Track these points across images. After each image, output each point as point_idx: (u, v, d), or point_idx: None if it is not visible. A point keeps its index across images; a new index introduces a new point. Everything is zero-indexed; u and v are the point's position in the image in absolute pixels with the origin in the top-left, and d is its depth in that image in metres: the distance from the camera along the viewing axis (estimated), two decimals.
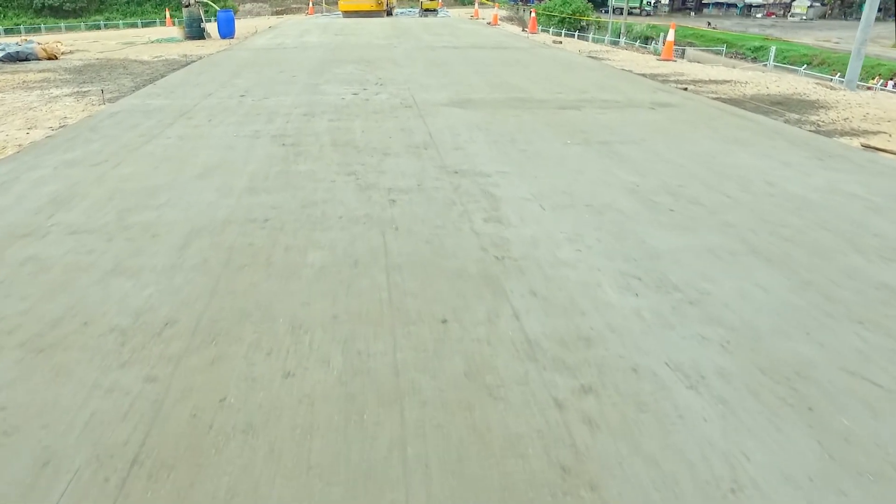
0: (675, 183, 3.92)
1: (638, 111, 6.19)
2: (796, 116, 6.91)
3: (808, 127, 6.25)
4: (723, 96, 8.19)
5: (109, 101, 7.62)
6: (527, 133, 5.20)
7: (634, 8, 78.60)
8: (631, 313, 2.37)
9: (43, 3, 55.82)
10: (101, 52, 14.80)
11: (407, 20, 23.81)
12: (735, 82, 9.73)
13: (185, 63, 11.68)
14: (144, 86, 8.56)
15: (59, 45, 15.89)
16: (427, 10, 30.60)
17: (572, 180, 3.95)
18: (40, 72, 11.09)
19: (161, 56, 13.42)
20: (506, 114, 5.96)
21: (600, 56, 13.26)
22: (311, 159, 4.42)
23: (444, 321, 2.31)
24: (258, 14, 59.37)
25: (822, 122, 6.76)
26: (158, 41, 17.45)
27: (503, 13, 26.03)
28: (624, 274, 2.69)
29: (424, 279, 2.62)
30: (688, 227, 3.22)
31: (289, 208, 3.45)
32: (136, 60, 12.85)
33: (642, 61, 12.38)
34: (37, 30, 48.74)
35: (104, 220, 3.33)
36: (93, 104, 7.55)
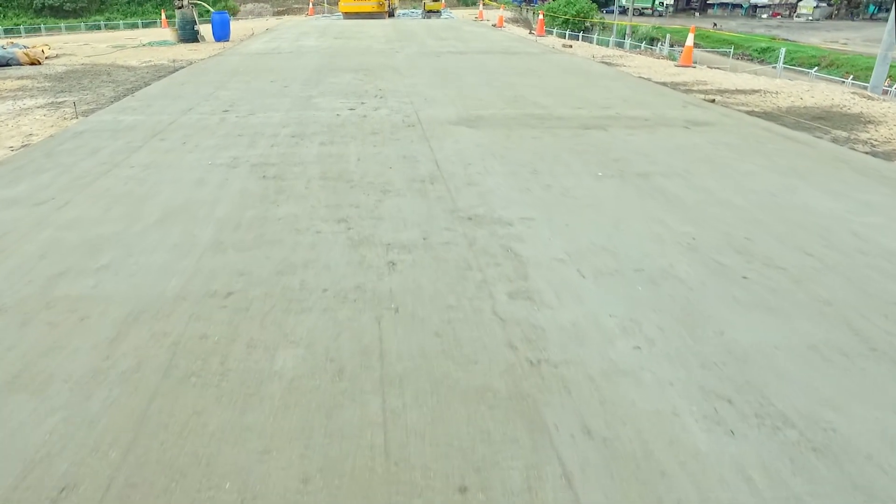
0: (740, 234, 3.18)
1: (672, 131, 5.45)
2: (844, 134, 6.17)
3: (861, 147, 5.51)
4: (756, 109, 7.45)
5: (83, 114, 6.92)
6: (549, 161, 4.46)
7: (647, 8, 77.92)
8: (733, 473, 1.63)
9: (43, 4, 55.29)
10: (89, 57, 14.11)
11: (409, 22, 23.06)
12: (764, 92, 8.98)
13: (172, 69, 10.98)
14: (124, 96, 7.86)
15: (45, 48, 15.22)
16: (430, 11, 29.83)
17: (613, 231, 3.21)
18: (19, 79, 10.39)
19: (150, 61, 12.73)
20: (523, 135, 5.23)
21: (614, 62, 12.52)
22: (294, 199, 3.69)
23: (464, 489, 1.58)
24: (259, 14, 58.73)
25: (876, 140, 6.01)
26: (150, 45, 16.76)
27: (508, 14, 25.30)
28: (706, 392, 1.95)
29: (434, 405, 1.89)
30: (772, 306, 2.48)
31: (259, 275, 2.73)
32: (122, 66, 12.16)
33: (659, 68, 11.64)
34: (36, 30, 48.24)
35: (25, 292, 2.61)
36: (65, 118, 6.85)
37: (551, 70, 9.57)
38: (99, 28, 49.90)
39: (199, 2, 17.85)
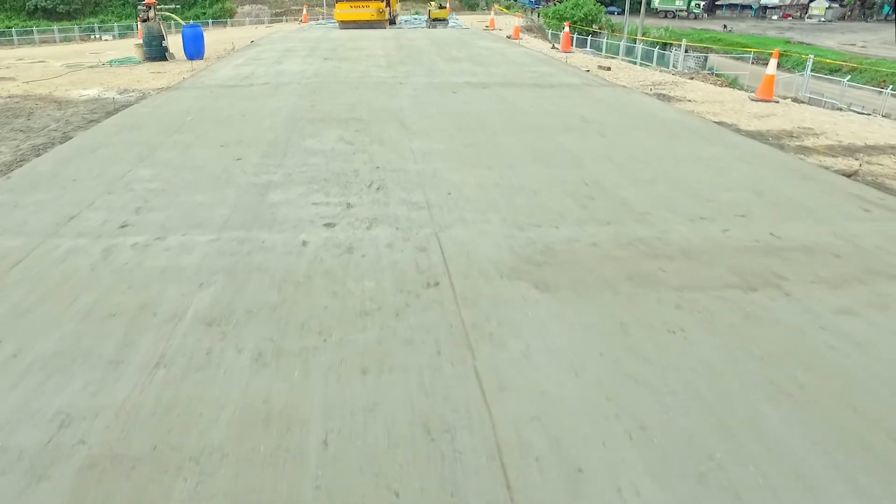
0: None
1: None
2: None
3: None
4: None
5: None
6: (751, 441, 1.98)
7: (681, 10, 75.28)
8: None
9: (36, 6, 53.33)
10: (28, 83, 11.66)
11: (413, 34, 20.40)
12: None
13: (112, 109, 8.53)
14: (10, 168, 5.41)
15: None
16: (436, 19, 27.05)
17: None
18: None
19: (96, 91, 10.28)
20: (647, 317, 2.73)
21: (671, 92, 10.04)
22: None
23: None
24: (257, 16, 56.37)
25: None
26: (111, 64, 14.29)
27: (521, 22, 22.79)
28: None
29: None
30: None
31: None
32: (57, 100, 9.72)
33: (735, 104, 9.15)
34: (29, 33, 46.29)
35: None
36: None
37: (609, 117, 7.07)
38: (92, 31, 47.87)
39: (168, 13, 15.36)
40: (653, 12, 74.86)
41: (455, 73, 10.34)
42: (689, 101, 9.37)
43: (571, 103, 7.90)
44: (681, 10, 75.86)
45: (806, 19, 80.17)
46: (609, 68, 12.24)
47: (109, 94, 10.08)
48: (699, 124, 6.98)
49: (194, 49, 14.42)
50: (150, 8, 14.12)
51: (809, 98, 18.26)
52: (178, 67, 13.17)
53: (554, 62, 12.55)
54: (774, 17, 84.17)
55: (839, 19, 79.44)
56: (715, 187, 4.57)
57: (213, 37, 22.84)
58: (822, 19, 78.26)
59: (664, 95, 9.66)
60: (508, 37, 19.34)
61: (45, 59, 16.83)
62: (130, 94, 9.90)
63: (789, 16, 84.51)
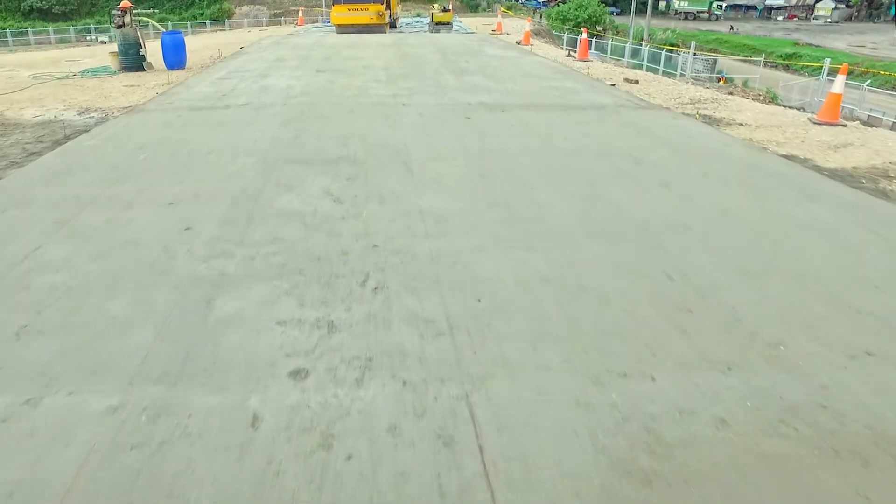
0: None
1: None
2: None
3: None
4: None
5: None
6: None
7: (702, 12, 73.92)
8: None
9: (31, 6, 52.44)
10: None
11: (415, 39, 18.98)
12: None
13: (62, 137, 7.19)
14: None
15: None
16: (439, 23, 25.61)
17: None
18: None
19: (54, 110, 8.94)
20: None
21: (714, 113, 8.69)
22: None
23: None
24: (255, 17, 55.05)
25: None
26: (84, 74, 12.93)
27: (529, 26, 21.41)
28: None
29: None
30: None
31: None
32: (4, 122, 8.39)
33: (796, 129, 7.80)
34: (24, 34, 45.47)
35: None
36: None
37: (663, 155, 5.70)
38: (88, 32, 46.96)
39: (145, 18, 13.99)
40: (672, 13, 73.48)
41: (466, 90, 8.97)
42: (741, 124, 8.03)
43: (612, 134, 6.53)
44: (702, 12, 74.45)
45: (812, 20, 78.85)
46: (637, 81, 10.88)
47: (67, 114, 8.75)
48: (780, 167, 5.60)
49: (175, 58, 13.06)
50: (125, 13, 12.79)
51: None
52: (154, 79, 11.83)
53: (574, 74, 11.18)
54: (780, 18, 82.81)
55: (845, 20, 78.03)
56: (855, 282, 3.21)
57: (202, 41, 21.51)
58: (829, 20, 76.91)
59: (710, 118, 8.31)
60: (518, 42, 17.97)
61: (14, 68, 15.46)
62: (91, 115, 8.56)
63: (795, 16, 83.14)
